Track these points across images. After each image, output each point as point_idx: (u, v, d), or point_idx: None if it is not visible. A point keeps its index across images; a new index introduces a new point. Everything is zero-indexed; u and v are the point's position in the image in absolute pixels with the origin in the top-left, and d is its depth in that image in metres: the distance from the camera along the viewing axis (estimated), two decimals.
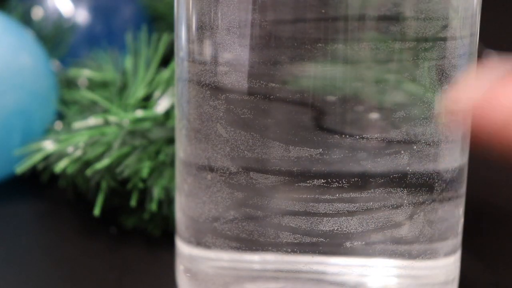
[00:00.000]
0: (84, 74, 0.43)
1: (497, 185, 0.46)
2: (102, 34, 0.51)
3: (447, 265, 0.30)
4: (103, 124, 0.38)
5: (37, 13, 0.50)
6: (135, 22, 0.53)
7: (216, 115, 0.28)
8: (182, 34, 0.29)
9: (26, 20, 0.49)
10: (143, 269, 0.35)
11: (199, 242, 0.30)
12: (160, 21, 0.54)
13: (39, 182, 0.42)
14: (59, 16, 0.51)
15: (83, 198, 0.40)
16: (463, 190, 0.30)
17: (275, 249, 0.28)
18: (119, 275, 0.34)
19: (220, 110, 0.28)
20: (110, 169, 0.37)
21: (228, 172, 0.28)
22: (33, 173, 0.41)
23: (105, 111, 0.39)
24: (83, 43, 0.51)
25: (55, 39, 0.49)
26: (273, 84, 0.27)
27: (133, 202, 0.36)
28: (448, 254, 0.30)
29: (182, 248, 0.31)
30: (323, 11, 0.26)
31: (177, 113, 0.30)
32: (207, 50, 0.28)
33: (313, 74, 0.27)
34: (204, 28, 0.28)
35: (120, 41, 0.50)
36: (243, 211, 0.28)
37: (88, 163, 0.37)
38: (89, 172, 0.36)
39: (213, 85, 0.28)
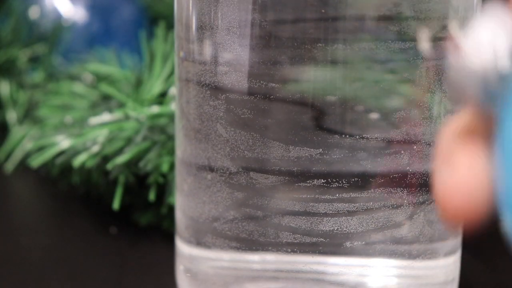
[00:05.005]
0: (90, 68, 0.43)
1: None
2: (100, 34, 0.51)
3: (447, 265, 0.30)
4: (122, 119, 0.38)
5: (35, 12, 0.50)
6: (135, 22, 0.53)
7: (216, 115, 0.28)
8: (182, 34, 0.29)
9: (24, 19, 0.49)
10: (143, 269, 0.35)
11: (199, 242, 0.30)
12: (160, 21, 0.54)
13: (39, 182, 0.42)
14: (58, 15, 0.51)
15: (93, 195, 0.40)
16: None
17: (275, 249, 0.28)
18: (119, 275, 0.34)
19: (220, 110, 0.28)
20: (128, 164, 0.37)
21: (228, 172, 0.28)
22: (33, 172, 0.41)
23: (121, 106, 0.39)
24: (83, 43, 0.51)
25: (54, 38, 0.49)
26: (273, 84, 0.27)
27: (151, 197, 0.36)
28: (448, 254, 0.30)
29: (182, 248, 0.31)
30: (323, 11, 0.26)
31: (177, 113, 0.30)
32: (207, 50, 0.28)
33: (313, 74, 0.27)
34: (204, 28, 0.28)
35: (120, 41, 0.50)
36: (243, 211, 0.28)
37: (106, 158, 0.37)
38: (110, 166, 0.36)
39: (213, 85, 0.28)
